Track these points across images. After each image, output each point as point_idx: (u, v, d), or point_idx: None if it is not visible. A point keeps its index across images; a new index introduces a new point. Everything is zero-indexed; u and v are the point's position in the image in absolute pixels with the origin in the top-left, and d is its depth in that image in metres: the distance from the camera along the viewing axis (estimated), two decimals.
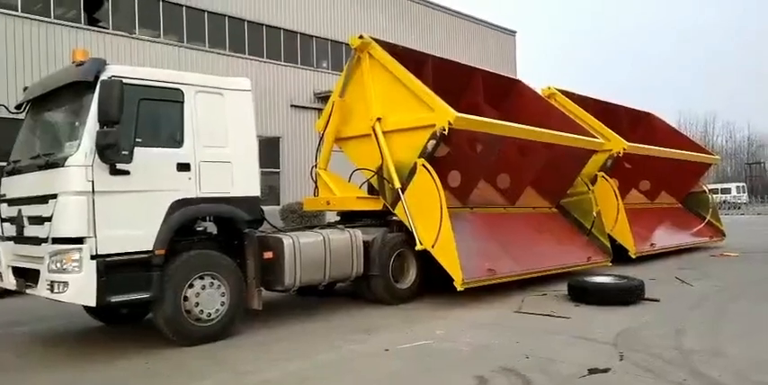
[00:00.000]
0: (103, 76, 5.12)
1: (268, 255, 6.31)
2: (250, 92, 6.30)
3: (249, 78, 6.37)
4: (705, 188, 15.53)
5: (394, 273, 7.73)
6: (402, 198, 7.76)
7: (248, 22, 19.92)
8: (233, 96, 6.13)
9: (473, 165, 9.10)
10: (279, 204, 18.63)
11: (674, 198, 15.01)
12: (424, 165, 7.59)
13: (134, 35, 16.91)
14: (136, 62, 15.74)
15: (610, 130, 11.60)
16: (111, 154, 5.02)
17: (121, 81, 4.99)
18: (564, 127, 10.29)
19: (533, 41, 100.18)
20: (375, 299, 7.62)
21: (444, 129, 7.45)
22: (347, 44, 8.94)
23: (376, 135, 8.11)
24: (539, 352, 5.20)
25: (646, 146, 12.25)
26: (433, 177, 7.48)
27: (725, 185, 49.46)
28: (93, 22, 16.46)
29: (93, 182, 5.03)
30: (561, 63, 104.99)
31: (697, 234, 14.20)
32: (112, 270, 5.08)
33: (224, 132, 5.98)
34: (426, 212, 7.51)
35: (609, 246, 10.33)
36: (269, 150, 20.21)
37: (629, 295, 7.37)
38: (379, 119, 8.13)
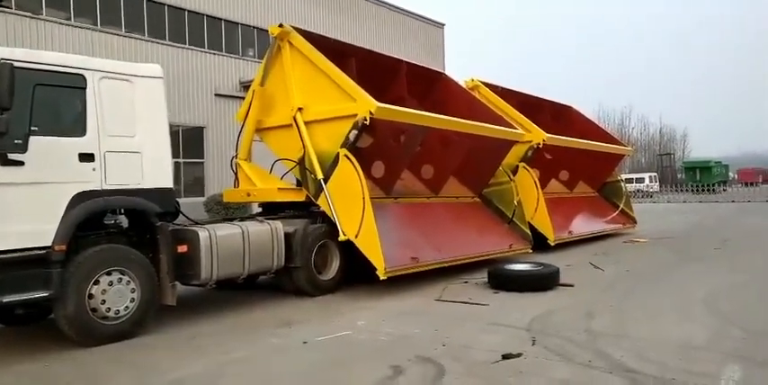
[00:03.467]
0: None
1: (182, 248, 6.07)
2: (162, 79, 6.01)
3: (170, 65, 6.12)
4: (619, 178, 16.28)
5: (317, 265, 7.65)
6: (324, 188, 7.67)
7: (169, 6, 19.14)
8: (143, 83, 5.83)
9: (396, 156, 9.14)
10: (203, 195, 18.12)
11: (590, 187, 15.68)
12: (346, 156, 7.53)
13: (40, 16, 15.84)
14: (43, 46, 14.79)
15: (530, 122, 11.93)
16: (2, 143, 4.66)
17: (11, 64, 4.62)
18: (486, 118, 10.48)
19: (463, 33, 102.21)
20: (298, 291, 7.52)
21: (366, 119, 7.41)
22: None
23: (297, 125, 7.97)
24: (456, 339, 5.27)
25: (564, 137, 12.70)
26: (355, 167, 7.43)
27: (639, 175, 52.24)
28: None
29: None
30: (490, 56, 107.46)
31: (611, 221, 14.92)
32: (4, 268, 4.72)
33: (132, 121, 5.68)
34: (349, 203, 7.46)
35: (529, 233, 10.67)
36: (193, 140, 19.60)
37: (545, 281, 7.63)
38: (300, 109, 7.99)
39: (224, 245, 6.42)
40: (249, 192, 8.30)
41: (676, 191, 46.84)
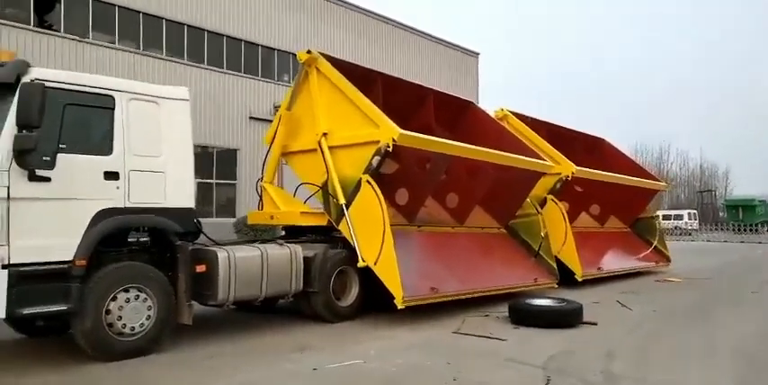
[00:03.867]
0: (25, 79, 4.92)
1: (201, 268, 6.12)
2: (188, 101, 6.16)
3: (208, 88, 6.27)
4: (654, 214, 15.88)
5: (335, 291, 7.60)
6: (346, 214, 7.67)
7: (208, 32, 19.76)
8: (170, 105, 5.99)
9: (421, 184, 9.10)
10: (234, 216, 18.34)
11: (622, 223, 15.32)
12: (368, 182, 7.53)
13: (87, 40, 16.54)
14: (88, 68, 15.38)
15: (559, 154, 11.79)
16: (30, 159, 4.81)
17: (43, 84, 4.81)
18: (514, 149, 10.41)
19: (498, 64, 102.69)
20: (315, 316, 7.47)
21: (388, 146, 7.43)
22: None
23: (322, 150, 8.04)
24: (468, 374, 5.13)
25: (594, 170, 12.48)
26: (376, 193, 7.42)
27: (678, 212, 50.89)
28: (43, 24, 16.08)
29: (8, 187, 4.79)
30: (523, 86, 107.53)
31: (643, 259, 14.49)
32: (26, 280, 4.82)
33: (158, 141, 5.82)
34: (370, 229, 7.43)
35: (555, 268, 10.43)
36: (227, 162, 19.98)
37: (567, 318, 7.41)
38: (325, 134, 8.06)
39: (242, 266, 6.44)
40: (272, 215, 8.36)
41: (717, 229, 45.52)
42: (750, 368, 5.50)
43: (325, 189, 8.03)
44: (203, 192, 18.67)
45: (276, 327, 7.15)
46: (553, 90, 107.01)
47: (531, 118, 14.64)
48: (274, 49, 22.02)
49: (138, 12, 17.84)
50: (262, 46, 21.58)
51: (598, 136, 16.26)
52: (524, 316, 7.48)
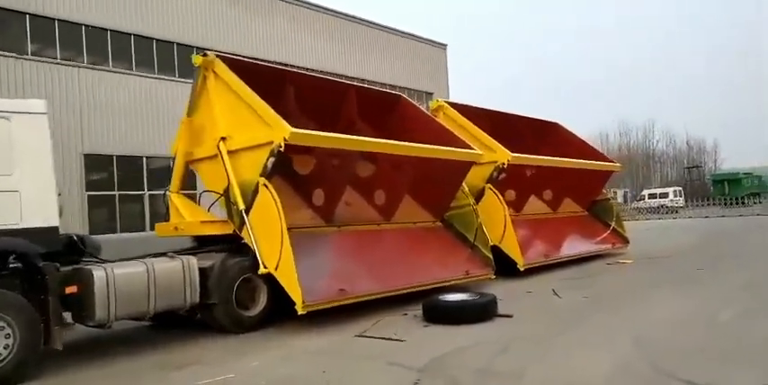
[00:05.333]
0: None
1: (71, 289, 5.86)
2: (46, 114, 5.88)
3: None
4: (610, 195, 15.62)
5: (241, 300, 7.34)
6: (246, 220, 7.41)
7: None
8: (22, 120, 5.71)
9: (335, 183, 8.85)
10: None
11: (579, 206, 15.08)
12: (264, 185, 7.27)
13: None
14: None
15: (494, 142, 11.51)
16: None
17: None
18: (442, 140, 10.15)
19: (472, 55, 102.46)
20: (220, 328, 7.22)
21: (280, 146, 7.16)
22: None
23: (221, 155, 7.76)
24: (339, 382, 4.88)
25: (531, 156, 12.22)
26: (273, 197, 7.16)
27: (663, 190, 50.72)
28: None
29: None
30: (497, 73, 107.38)
31: (600, 242, 14.25)
32: None
33: (8, 158, 5.54)
34: (269, 234, 7.17)
35: (491, 258, 10.17)
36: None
37: (479, 312, 7.16)
38: (223, 138, 7.78)
39: (123, 283, 6.17)
40: (176, 226, 8.10)
41: (705, 205, 45.32)
42: (642, 355, 5.23)
43: (226, 195, 7.77)
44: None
45: (174, 343, 6.89)
46: (528, 76, 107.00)
47: (474, 107, 14.39)
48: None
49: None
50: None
51: (550, 120, 16.01)
52: (436, 313, 7.24)
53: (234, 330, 7.15)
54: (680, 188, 50.70)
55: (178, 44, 20.24)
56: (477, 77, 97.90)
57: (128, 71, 19.23)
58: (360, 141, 8.16)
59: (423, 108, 12.04)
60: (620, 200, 56.47)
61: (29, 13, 17.10)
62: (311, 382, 4.93)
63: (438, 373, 5.00)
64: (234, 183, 7.58)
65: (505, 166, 11.31)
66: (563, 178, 13.87)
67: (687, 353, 5.25)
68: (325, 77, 10.35)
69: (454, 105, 12.55)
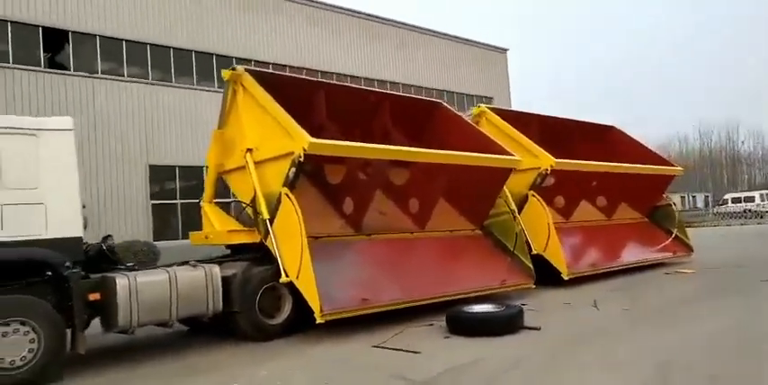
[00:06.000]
0: None
1: (94, 296, 6.13)
2: (72, 131, 6.21)
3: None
4: (671, 201, 14.75)
5: (265, 308, 7.44)
6: (270, 229, 7.51)
7: (255, 61, 20.74)
8: (50, 137, 6.05)
9: (365, 191, 8.83)
10: None
11: (636, 213, 14.33)
12: (286, 195, 7.36)
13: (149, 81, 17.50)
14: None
15: (537, 147, 11.13)
16: None
17: None
18: (479, 146, 9.93)
19: (541, 56, 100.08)
20: (244, 335, 7.34)
21: (300, 157, 7.22)
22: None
23: (248, 165, 7.93)
24: None
25: (575, 161, 11.70)
26: (294, 206, 7.23)
27: (748, 194, 47.43)
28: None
29: None
30: (564, 79, 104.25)
31: (660, 250, 13.47)
32: None
33: (35, 173, 5.88)
34: (291, 242, 7.24)
35: (531, 267, 9.82)
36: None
37: (503, 324, 6.91)
38: (249, 149, 7.94)
39: (145, 291, 6.40)
40: (207, 235, 8.33)
41: None
42: (660, 379, 4.86)
43: (253, 205, 7.92)
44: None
45: (197, 348, 7.06)
46: (597, 77, 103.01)
47: (520, 112, 14.12)
48: (285, 66, 22.56)
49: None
50: (288, 66, 22.30)
51: (606, 124, 15.34)
52: (458, 324, 7.04)
53: (256, 337, 7.25)
54: (767, 191, 47.21)
55: (237, 58, 20.99)
56: (544, 80, 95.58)
57: (189, 86, 20.14)
58: (381, 150, 8.08)
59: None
60: (699, 204, 53.49)
61: (99, 35, 18.27)
62: None
63: None
64: (259, 193, 7.71)
65: (548, 172, 10.91)
66: (617, 184, 13.22)
67: (713, 380, 4.81)
68: (359, 87, 10.41)
69: (497, 111, 12.26)
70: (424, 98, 11.36)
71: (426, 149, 8.85)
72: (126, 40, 18.90)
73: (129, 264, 6.94)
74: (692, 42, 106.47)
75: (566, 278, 10.37)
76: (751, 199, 44.93)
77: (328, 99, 9.35)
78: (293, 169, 7.38)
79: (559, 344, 6.24)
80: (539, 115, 13.49)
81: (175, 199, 19.29)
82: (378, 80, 25.95)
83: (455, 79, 29.76)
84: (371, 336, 7.06)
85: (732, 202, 46.01)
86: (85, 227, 6.29)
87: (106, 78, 18.32)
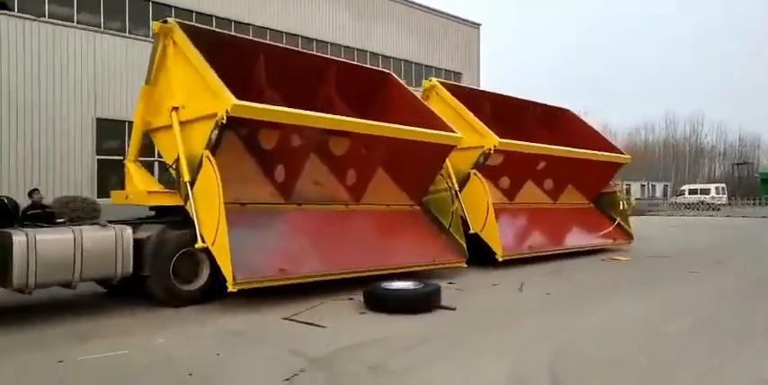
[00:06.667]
0: None
1: None
2: None
3: None
4: (617, 188, 14.87)
5: (182, 273, 7.24)
6: (190, 192, 7.23)
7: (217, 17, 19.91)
8: None
9: (296, 160, 8.57)
10: None
11: (583, 198, 14.43)
12: (207, 157, 7.06)
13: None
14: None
15: (483, 126, 10.99)
16: None
17: None
18: (424, 122, 9.74)
19: (517, 36, 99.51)
20: (156, 300, 7.13)
21: (223, 118, 6.91)
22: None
23: (173, 125, 7.58)
24: (218, 368, 4.68)
25: (520, 142, 11.61)
26: (214, 171, 6.94)
27: (704, 186, 48.63)
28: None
29: None
30: (536, 58, 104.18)
31: (601, 236, 13.62)
32: None
33: None
34: (210, 208, 6.98)
35: (464, 246, 9.78)
36: None
37: (418, 302, 6.83)
38: (175, 108, 7.59)
39: (45, 250, 6.09)
40: (127, 195, 8.02)
41: (750, 204, 43.23)
42: (549, 368, 4.80)
43: (176, 167, 7.60)
44: None
45: (106, 312, 6.83)
46: (573, 62, 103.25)
47: (475, 90, 13.99)
48: (266, 29, 21.89)
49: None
50: (253, 25, 21.52)
51: (560, 107, 15.27)
52: (374, 300, 6.94)
53: (170, 303, 7.04)
54: (723, 185, 48.49)
55: (197, 13, 20.21)
56: (518, 59, 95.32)
57: (145, 38, 19.26)
58: (308, 116, 7.68)
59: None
60: (658, 194, 54.62)
61: None
62: (193, 365, 4.73)
63: (327, 366, 4.74)
64: (182, 154, 7.40)
65: (492, 151, 10.80)
66: (564, 167, 13.24)
67: (600, 366, 4.81)
68: (304, 51, 10.00)
69: (448, 86, 12.06)
70: (372, 67, 11.05)
71: (358, 120, 8.60)
72: None
73: (60, 221, 6.63)
74: (674, 36, 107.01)
75: (500, 259, 10.39)
76: (707, 191, 46.08)
77: (269, 61, 8.98)
78: (216, 131, 7.07)
79: (467, 326, 6.19)
80: (492, 93, 13.34)
81: (123, 155, 18.66)
82: (344, 46, 25.36)
83: (423, 50, 29.29)
84: (287, 308, 6.92)
85: (689, 194, 47.13)
86: None
87: (53, 23, 17.39)
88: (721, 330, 6.06)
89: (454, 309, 6.89)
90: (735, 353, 5.18)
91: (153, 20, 18.26)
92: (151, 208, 8.30)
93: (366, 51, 26.54)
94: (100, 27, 18.40)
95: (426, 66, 29.29)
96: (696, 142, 71.25)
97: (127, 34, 18.75)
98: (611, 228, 13.99)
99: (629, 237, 14.21)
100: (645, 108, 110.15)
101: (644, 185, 55.01)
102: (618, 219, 14.24)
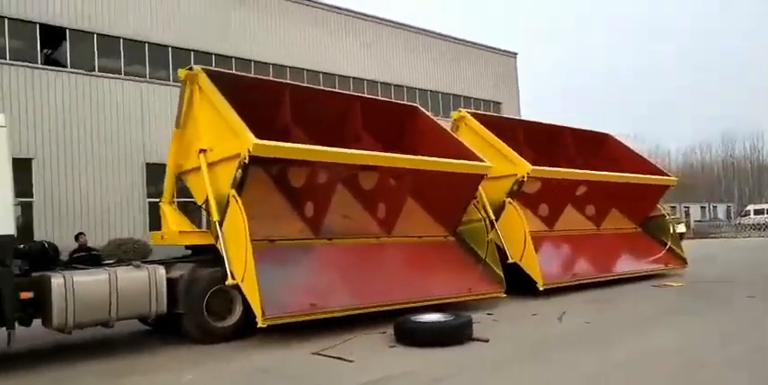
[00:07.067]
0: None
1: (26, 295, 6.10)
2: (4, 128, 6.17)
3: None
4: (665, 212, 14.32)
5: (216, 311, 7.35)
6: (219, 231, 7.41)
7: (236, 58, 20.84)
8: None
9: (324, 195, 8.68)
10: None
11: (630, 223, 13.95)
12: (233, 197, 7.25)
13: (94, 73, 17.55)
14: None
15: (514, 154, 10.85)
16: None
17: None
18: (452, 152, 9.75)
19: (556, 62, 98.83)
20: (189, 337, 7.24)
21: (245, 158, 7.10)
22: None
23: (202, 167, 7.84)
24: None
25: (553, 168, 11.40)
26: (239, 208, 7.10)
27: (759, 206, 46.11)
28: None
29: None
30: (581, 81, 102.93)
31: (651, 262, 13.08)
32: None
33: None
34: (238, 245, 7.12)
35: (501, 275, 9.57)
36: None
37: (449, 335, 6.69)
38: (203, 150, 7.85)
39: (82, 291, 6.34)
40: (163, 235, 8.27)
41: None
42: None
43: (206, 207, 7.82)
44: None
45: (139, 349, 6.98)
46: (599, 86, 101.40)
47: (506, 118, 13.93)
48: (319, 72, 22.74)
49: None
50: (273, 64, 22.32)
51: (600, 131, 14.98)
52: (404, 333, 6.84)
53: (202, 340, 7.14)
54: None
55: (236, 58, 21.10)
56: (558, 85, 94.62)
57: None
58: (327, 152, 7.80)
59: None
60: (721, 215, 52.15)
61: (96, 33, 18.55)
62: None
63: None
64: (210, 194, 7.62)
65: (525, 179, 10.63)
66: (605, 192, 12.90)
67: None
68: (328, 90, 10.26)
69: (477, 116, 12.03)
70: (399, 102, 11.19)
71: (379, 153, 8.70)
72: (123, 39, 19.10)
73: (107, 262, 6.92)
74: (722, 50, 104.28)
75: (541, 288, 10.08)
76: (760, 212, 43.73)
77: (294, 101, 9.23)
78: (240, 171, 7.26)
79: (498, 359, 6.00)
80: (524, 121, 13.26)
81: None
82: (381, 82, 25.83)
83: (464, 83, 29.51)
84: (318, 343, 6.90)
85: (755, 214, 44.85)
86: (17, 224, 6.24)
87: (103, 76, 18.50)
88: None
89: (487, 341, 6.71)
90: None
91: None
92: (187, 247, 8.54)
93: (403, 86, 26.95)
94: (146, 77, 19.45)
95: (465, 97, 29.45)
96: (758, 159, 68.10)
97: (171, 82, 19.71)
98: (661, 253, 13.43)
99: (682, 261, 13.58)
100: (700, 128, 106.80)
101: (704, 207, 52.77)
102: (669, 243, 13.67)
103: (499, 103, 30.97)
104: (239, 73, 8.90)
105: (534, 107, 38.76)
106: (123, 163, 18.48)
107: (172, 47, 20.08)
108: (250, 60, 21.47)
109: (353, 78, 24.71)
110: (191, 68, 8.18)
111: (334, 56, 24.29)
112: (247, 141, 7.03)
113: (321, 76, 23.46)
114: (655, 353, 6.06)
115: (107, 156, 18.19)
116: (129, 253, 15.88)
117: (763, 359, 5.68)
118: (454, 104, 28.40)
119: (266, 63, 21.87)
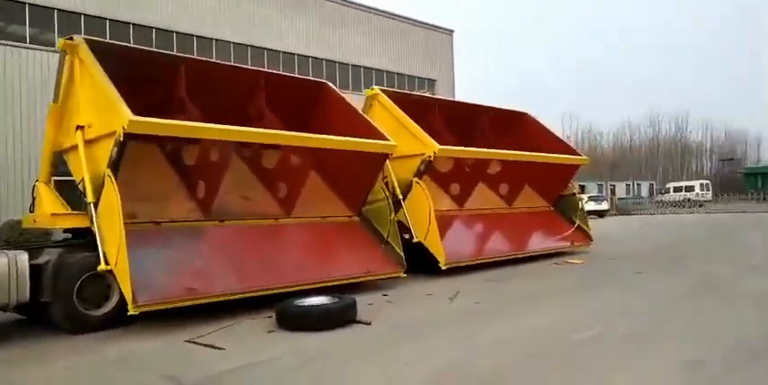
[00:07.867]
0: None
1: None
2: None
3: None
4: (575, 190, 14.66)
5: (90, 298, 6.94)
6: (93, 213, 6.98)
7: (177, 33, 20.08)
8: None
9: (216, 174, 8.34)
10: None
11: (541, 201, 14.22)
12: (108, 176, 6.83)
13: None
14: None
15: (423, 133, 10.75)
16: None
17: None
18: (359, 131, 9.55)
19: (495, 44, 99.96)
20: (59, 326, 6.83)
21: (121, 136, 6.67)
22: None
23: (78, 144, 7.35)
24: None
25: (460, 148, 11.40)
26: (114, 188, 6.70)
27: (689, 183, 48.55)
28: None
29: None
30: (516, 61, 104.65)
31: (558, 240, 13.41)
32: None
33: None
34: (112, 228, 6.73)
35: (402, 256, 9.54)
36: None
37: (331, 318, 6.56)
38: (80, 127, 7.36)
39: None
40: (35, 218, 7.76)
41: (735, 200, 43.08)
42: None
43: (82, 187, 7.35)
44: None
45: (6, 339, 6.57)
46: (553, 62, 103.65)
47: (423, 96, 13.80)
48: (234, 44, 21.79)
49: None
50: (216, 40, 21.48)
51: (518, 111, 15.10)
52: (285, 318, 6.66)
53: (72, 330, 6.75)
54: (707, 181, 48.45)
55: (177, 33, 20.19)
56: (496, 66, 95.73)
57: None
58: (211, 129, 7.41)
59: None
60: (644, 193, 54.51)
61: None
62: None
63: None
64: (86, 174, 7.15)
65: (432, 159, 10.58)
66: (519, 171, 13.08)
67: (483, 380, 4.57)
68: (230, 64, 9.79)
69: (391, 94, 11.84)
70: (306, 77, 10.86)
71: (280, 131, 8.38)
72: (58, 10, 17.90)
73: None
74: (653, 31, 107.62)
75: (443, 267, 10.14)
76: (691, 188, 46.03)
77: (191, 75, 8.76)
78: (116, 149, 6.83)
79: (371, 343, 5.94)
80: (441, 99, 13.20)
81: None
82: (312, 57, 25.25)
83: (396, 59, 29.22)
84: (197, 330, 6.63)
85: (674, 191, 47.08)
86: None
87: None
88: (626, 336, 5.82)
89: (369, 324, 6.64)
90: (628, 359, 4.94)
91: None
92: (66, 230, 8.04)
93: (335, 62, 26.43)
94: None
95: (399, 74, 29.22)
96: (682, 141, 71.26)
97: None
98: (570, 231, 13.78)
99: (588, 238, 13.99)
100: (629, 109, 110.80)
101: (629, 185, 54.95)
102: (577, 221, 14.04)
103: (434, 81, 30.90)
104: (128, 44, 8.33)
105: (474, 85, 38.95)
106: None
107: (84, 14, 18.93)
108: (172, 31, 20.51)
109: (281, 52, 24.03)
110: (70, 38, 7.57)
111: (259, 29, 23.50)
112: (123, 117, 6.59)
113: (250, 49, 22.68)
114: (527, 333, 6.14)
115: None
116: (24, 234, 15.01)
117: (620, 336, 5.83)
118: (387, 81, 28.16)
119: (187, 34, 20.96)
